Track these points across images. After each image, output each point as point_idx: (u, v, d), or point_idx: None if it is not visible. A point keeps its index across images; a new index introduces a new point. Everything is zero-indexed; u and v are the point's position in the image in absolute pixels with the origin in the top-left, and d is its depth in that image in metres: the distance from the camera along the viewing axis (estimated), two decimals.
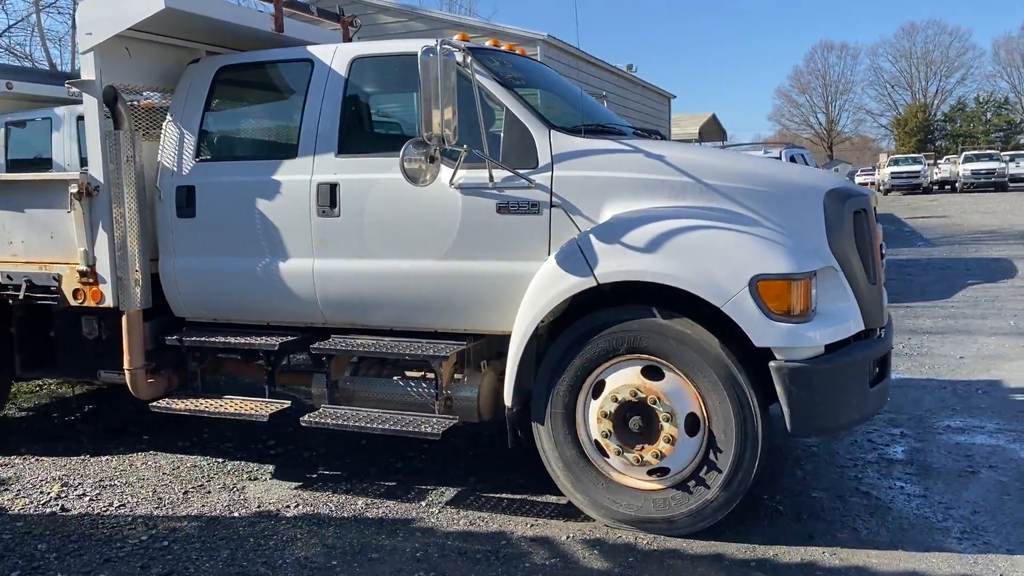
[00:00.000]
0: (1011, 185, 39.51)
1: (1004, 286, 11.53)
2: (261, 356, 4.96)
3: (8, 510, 4.70)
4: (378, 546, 4.09)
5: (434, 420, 4.40)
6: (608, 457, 4.14)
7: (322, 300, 4.71)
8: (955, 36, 69.51)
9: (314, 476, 5.11)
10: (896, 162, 42.61)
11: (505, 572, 3.80)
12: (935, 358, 7.56)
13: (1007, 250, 15.48)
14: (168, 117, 5.10)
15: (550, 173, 4.25)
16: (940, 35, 69.71)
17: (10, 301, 5.30)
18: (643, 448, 4.04)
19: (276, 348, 4.79)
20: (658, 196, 4.15)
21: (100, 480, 5.12)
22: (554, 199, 4.23)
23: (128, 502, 4.75)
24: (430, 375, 4.55)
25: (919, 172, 40.25)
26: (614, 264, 3.98)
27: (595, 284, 4.01)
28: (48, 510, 4.67)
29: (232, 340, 4.91)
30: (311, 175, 4.67)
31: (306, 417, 4.58)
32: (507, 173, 4.26)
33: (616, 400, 4.03)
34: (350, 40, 5.95)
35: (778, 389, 3.79)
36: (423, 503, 4.62)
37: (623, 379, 4.05)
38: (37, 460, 5.53)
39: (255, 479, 5.08)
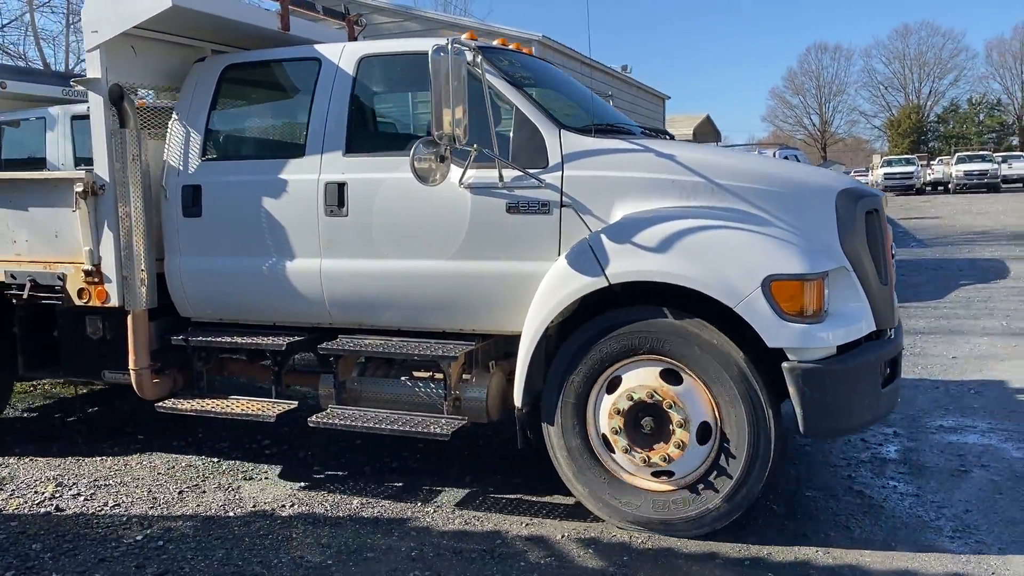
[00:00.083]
0: (1003, 186, 39.68)
1: (996, 287, 11.58)
2: (268, 356, 4.93)
3: (2, 510, 4.68)
4: (373, 545, 4.09)
5: (443, 421, 4.38)
6: (614, 453, 4.12)
7: (329, 300, 4.69)
8: (948, 38, 69.82)
9: (310, 476, 5.10)
10: (889, 163, 42.74)
11: (500, 571, 3.80)
12: (928, 358, 7.59)
13: (999, 251, 15.55)
14: (174, 116, 5.07)
15: (560, 173, 4.23)
16: (933, 37, 70.03)
17: (14, 301, 5.26)
18: (652, 450, 4.02)
19: (283, 348, 4.76)
20: (669, 196, 4.14)
21: (95, 480, 5.11)
22: (564, 199, 4.21)
23: (123, 502, 4.75)
24: (438, 375, 4.53)
25: (912, 173, 40.38)
26: (626, 264, 3.96)
27: (607, 284, 3.99)
28: (42, 510, 4.66)
29: (239, 340, 4.89)
30: (318, 174, 4.64)
31: (314, 418, 4.56)
32: (517, 173, 4.25)
33: (631, 399, 4.01)
34: (355, 39, 5.93)
35: (791, 390, 3.78)
36: (418, 503, 4.62)
37: (641, 379, 4.02)
38: (31, 460, 5.51)
39: (250, 479, 5.08)
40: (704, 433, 3.97)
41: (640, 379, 4.02)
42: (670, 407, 3.96)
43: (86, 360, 5.30)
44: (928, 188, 42.19)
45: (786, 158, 12.14)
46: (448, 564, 3.88)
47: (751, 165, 4.43)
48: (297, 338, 4.81)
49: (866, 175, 44.84)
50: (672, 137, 5.24)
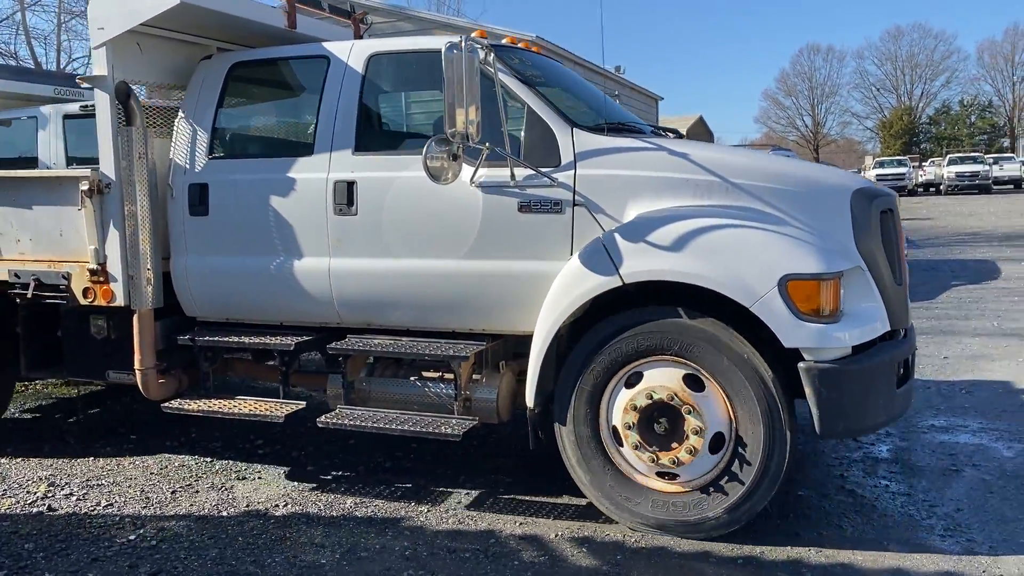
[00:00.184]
0: (995, 188, 39.86)
1: (988, 287, 11.62)
2: (275, 356, 4.90)
3: None
4: (367, 545, 4.08)
5: (453, 421, 4.35)
6: (622, 447, 4.10)
7: (338, 300, 4.66)
8: (940, 39, 70.17)
9: (303, 475, 5.09)
10: (881, 164, 42.88)
11: (494, 570, 3.80)
12: (920, 358, 7.57)
13: (990, 252, 15.61)
14: (180, 114, 5.04)
15: (573, 171, 4.21)
16: (925, 38, 70.25)
17: (17, 300, 5.21)
18: (663, 451, 4.00)
19: (292, 348, 4.72)
20: (683, 195, 4.12)
21: (87, 480, 5.09)
22: (577, 198, 4.19)
23: (116, 501, 4.73)
24: (448, 376, 4.51)
25: (904, 174, 40.51)
26: (640, 263, 3.93)
27: (621, 284, 3.97)
28: (35, 510, 4.65)
29: (246, 340, 4.85)
30: (327, 173, 4.61)
31: (323, 418, 4.52)
32: (529, 171, 4.22)
33: (651, 398, 3.97)
34: (360, 37, 5.90)
35: (807, 390, 3.76)
36: (412, 502, 4.62)
37: (663, 379, 3.98)
38: (23, 460, 5.48)
39: (244, 478, 5.07)
40: (716, 443, 3.96)
41: (662, 379, 3.99)
42: (688, 412, 3.93)
43: (90, 360, 5.26)
44: (920, 189, 42.36)
45: None
46: (442, 563, 3.88)
47: (765, 164, 4.41)
48: (305, 338, 4.77)
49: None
50: (682, 136, 5.20)
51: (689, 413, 3.93)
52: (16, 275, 5.12)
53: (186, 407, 4.91)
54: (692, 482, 4.03)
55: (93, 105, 10.07)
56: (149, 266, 4.84)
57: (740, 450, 3.91)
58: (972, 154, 45.49)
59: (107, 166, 4.85)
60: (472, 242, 4.34)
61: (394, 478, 5.01)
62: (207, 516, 4.50)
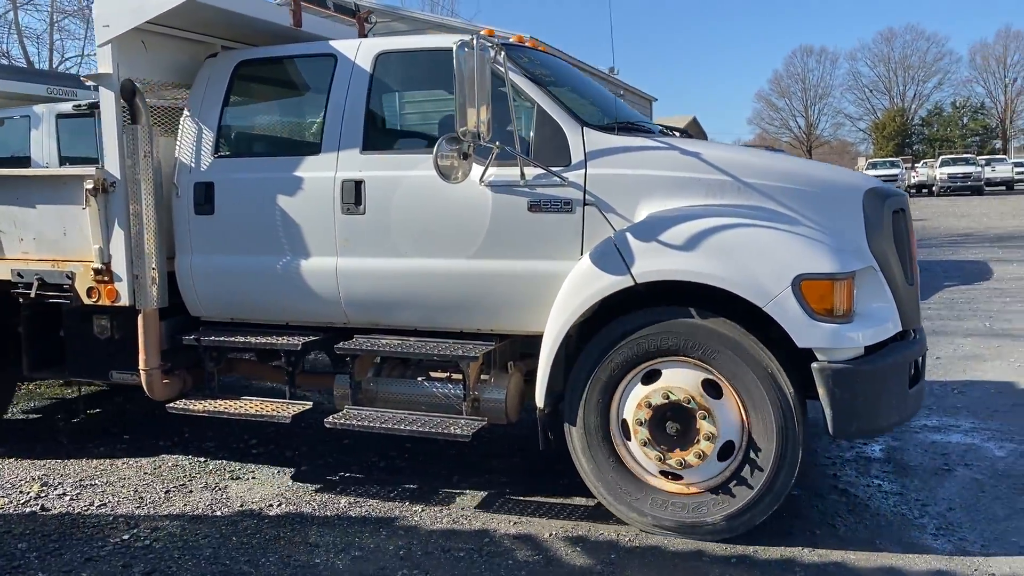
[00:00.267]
0: (987, 189, 40.02)
1: (980, 288, 11.67)
2: (282, 357, 4.88)
3: None
4: (362, 544, 4.08)
5: (462, 422, 4.32)
6: (629, 441, 4.08)
7: (345, 300, 4.64)
8: (932, 42, 70.23)
9: (297, 475, 5.09)
10: (874, 166, 42.96)
11: (488, 569, 3.80)
12: None
13: (983, 253, 15.67)
14: (185, 112, 5.01)
15: (583, 171, 4.19)
16: (918, 40, 70.51)
17: (20, 300, 5.17)
18: (671, 451, 3.98)
19: (299, 348, 4.69)
20: (695, 194, 4.10)
21: (80, 479, 5.08)
22: (587, 197, 4.17)
23: (109, 501, 4.72)
24: (456, 376, 4.49)
25: (897, 176, 40.54)
26: (652, 263, 3.92)
27: (633, 284, 3.95)
28: (28, 509, 4.63)
29: (252, 340, 4.81)
30: (335, 172, 4.59)
31: (330, 418, 4.49)
32: (539, 171, 4.20)
33: (667, 398, 3.95)
34: (365, 36, 5.88)
35: (820, 391, 3.75)
36: (406, 502, 4.62)
37: (682, 380, 3.96)
38: (16, 460, 5.45)
39: (237, 478, 5.06)
40: (726, 451, 3.95)
41: (682, 380, 3.96)
42: (703, 417, 3.91)
43: (93, 360, 5.22)
44: (912, 190, 42.44)
45: None
46: (436, 563, 3.88)
47: (778, 163, 4.40)
48: (312, 338, 4.74)
49: None
50: (689, 136, 5.21)
51: (704, 418, 3.91)
52: (19, 274, 5.07)
53: (191, 407, 4.88)
54: (695, 485, 4.02)
55: (86, 104, 10.10)
56: (154, 265, 4.81)
57: (749, 462, 3.91)
58: (964, 156, 45.66)
59: (112, 165, 4.82)
60: (481, 242, 4.32)
61: (388, 478, 5.00)
62: (201, 516, 4.49)
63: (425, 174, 4.21)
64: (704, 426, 3.91)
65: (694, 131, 40.48)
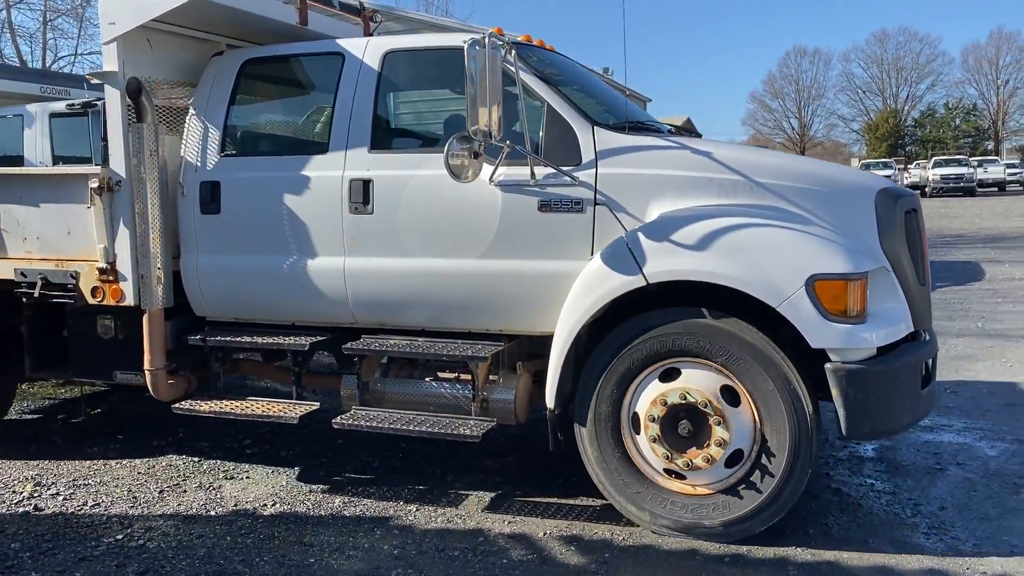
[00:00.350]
0: (979, 190, 40.18)
1: (972, 289, 11.71)
2: (288, 357, 4.84)
3: None
4: (356, 544, 4.08)
5: (472, 422, 4.30)
6: (639, 435, 4.06)
7: (353, 300, 4.61)
8: (925, 43, 70.44)
9: (291, 475, 5.08)
10: (867, 167, 43.10)
11: (483, 569, 3.80)
12: None
13: (975, 254, 15.73)
14: (191, 111, 4.98)
15: (594, 170, 4.17)
16: (911, 42, 70.67)
17: (23, 300, 5.12)
18: (681, 451, 3.96)
19: (306, 348, 4.66)
20: (707, 194, 4.09)
21: (74, 479, 5.06)
22: (598, 197, 4.15)
23: (102, 501, 4.70)
24: (464, 376, 4.47)
25: (890, 177, 40.80)
26: (665, 263, 3.90)
27: (645, 284, 3.93)
28: (21, 509, 4.61)
29: (259, 340, 4.78)
30: (343, 171, 4.56)
31: (338, 419, 4.47)
32: (549, 170, 4.18)
33: (684, 399, 3.93)
34: (370, 34, 5.85)
35: (834, 391, 3.74)
36: (401, 501, 4.61)
37: (702, 383, 3.93)
38: (9, 460, 5.41)
39: (231, 478, 5.04)
40: (734, 458, 3.94)
41: (701, 383, 3.93)
42: (718, 423, 3.89)
43: (96, 360, 5.17)
44: None
45: None
46: (431, 562, 3.88)
47: (790, 163, 4.40)
48: (319, 338, 4.72)
49: None
50: (699, 135, 5.22)
51: (718, 424, 3.89)
52: (23, 274, 5.03)
53: (198, 408, 4.84)
54: (698, 487, 4.01)
55: (80, 103, 10.07)
56: (159, 265, 4.78)
57: (757, 472, 3.90)
58: (957, 157, 45.85)
59: (117, 164, 4.78)
60: (491, 241, 4.30)
61: (383, 478, 5.00)
62: (195, 515, 4.48)
63: (434, 173, 4.20)
64: (717, 432, 3.90)
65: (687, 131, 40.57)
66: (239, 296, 4.89)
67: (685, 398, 3.93)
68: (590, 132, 4.24)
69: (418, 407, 4.52)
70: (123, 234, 4.81)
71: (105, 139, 8.85)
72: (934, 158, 45.43)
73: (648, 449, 4.05)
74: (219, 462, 5.33)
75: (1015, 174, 43.47)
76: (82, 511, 4.57)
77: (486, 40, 3.82)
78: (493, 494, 4.69)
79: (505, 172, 4.25)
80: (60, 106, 10.07)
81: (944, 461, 5.04)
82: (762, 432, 3.87)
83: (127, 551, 4.06)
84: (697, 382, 3.94)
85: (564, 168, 4.19)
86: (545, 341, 4.26)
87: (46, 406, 6.86)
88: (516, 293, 4.31)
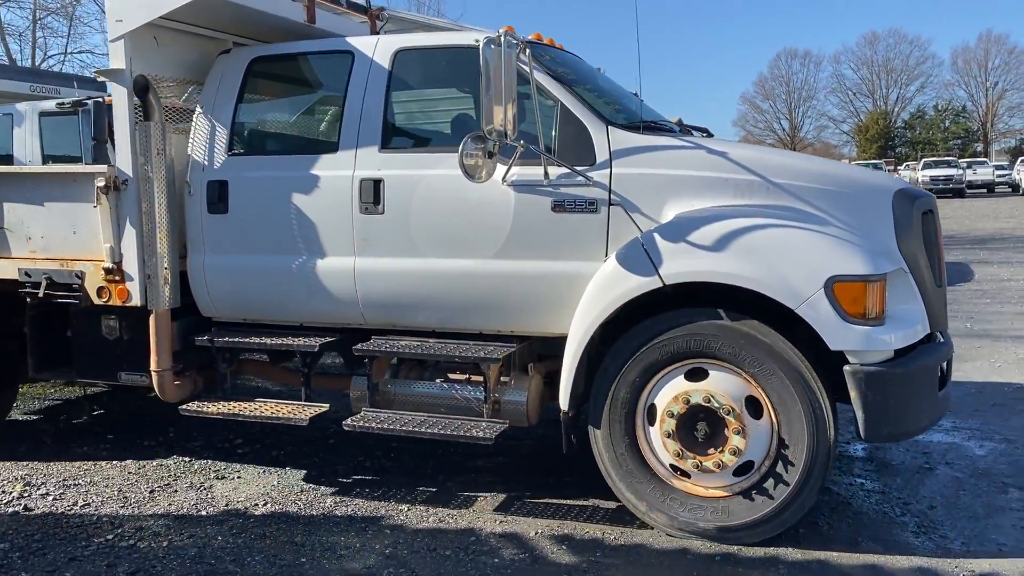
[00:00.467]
0: (968, 191, 40.38)
1: (961, 289, 11.76)
2: (298, 358, 4.80)
3: None
4: (347, 544, 4.07)
5: (484, 424, 4.25)
6: (652, 426, 4.03)
7: (363, 300, 4.57)
8: (915, 45, 70.71)
9: (282, 475, 5.06)
10: None
11: (474, 568, 3.80)
12: None
13: (964, 255, 15.79)
14: (198, 109, 4.93)
15: (608, 170, 4.14)
16: (900, 44, 70.93)
17: (28, 300, 5.06)
18: (689, 450, 3.94)
19: (316, 349, 4.62)
20: (723, 194, 4.06)
21: (64, 479, 5.03)
22: (613, 197, 4.12)
23: (93, 501, 4.68)
24: (475, 378, 4.43)
25: None
26: (681, 264, 3.86)
27: (661, 285, 3.89)
28: (10, 510, 4.58)
29: (268, 341, 4.73)
30: (353, 171, 4.52)
31: (348, 421, 4.43)
32: (563, 170, 4.15)
33: (708, 401, 3.89)
34: (377, 33, 5.81)
35: (852, 393, 3.72)
36: (392, 501, 4.61)
37: (729, 389, 3.88)
38: None
39: (222, 478, 5.03)
40: (744, 468, 3.92)
41: (727, 390, 3.88)
42: (736, 432, 3.86)
43: (101, 361, 5.11)
44: None
45: None
46: (422, 561, 3.87)
47: (806, 164, 4.37)
48: (329, 339, 4.68)
49: None
50: (711, 135, 5.14)
51: (737, 433, 3.86)
52: (27, 274, 4.97)
53: (205, 409, 4.79)
54: (701, 488, 4.00)
55: (70, 102, 10.03)
56: (166, 265, 4.73)
57: (762, 485, 3.89)
58: (946, 158, 46.10)
59: (124, 162, 4.73)
60: (503, 242, 4.27)
61: (374, 477, 5.00)
62: (186, 515, 4.47)
63: (446, 173, 4.18)
64: (734, 440, 3.87)
65: None
66: (247, 296, 4.84)
67: (709, 401, 3.90)
68: (604, 132, 4.21)
69: (429, 409, 4.48)
70: (130, 233, 4.77)
71: (96, 138, 8.86)
72: (923, 159, 45.65)
73: (660, 442, 4.02)
74: (210, 462, 5.31)
75: (1004, 176, 43.68)
76: (72, 511, 4.56)
77: (502, 39, 3.78)
78: (484, 494, 4.69)
79: (518, 172, 4.22)
80: (50, 105, 10.02)
81: (933, 460, 5.07)
82: (778, 449, 3.86)
83: (117, 551, 4.04)
84: (724, 388, 3.90)
85: (578, 168, 4.16)
86: (557, 342, 4.23)
87: (36, 407, 6.82)
88: (528, 294, 4.28)
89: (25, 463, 5.36)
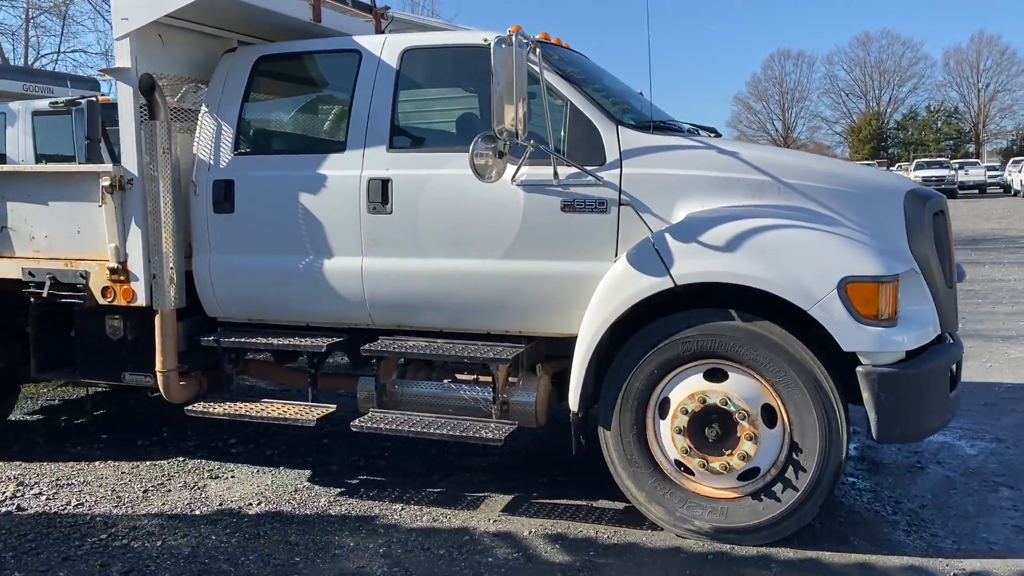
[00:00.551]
0: (960, 192, 40.55)
1: None
2: (305, 358, 4.80)
3: None
4: (341, 543, 4.06)
5: (493, 425, 4.24)
6: (663, 420, 4.01)
7: (370, 300, 4.55)
8: (907, 46, 70.87)
9: (276, 474, 5.05)
10: None
11: (468, 567, 3.81)
12: None
13: (956, 255, 15.88)
14: (203, 108, 4.90)
15: (619, 170, 4.13)
16: (893, 45, 71.09)
17: (31, 300, 5.03)
18: (697, 448, 3.93)
19: (323, 349, 4.60)
20: (734, 195, 4.05)
21: (57, 479, 5.02)
22: (623, 197, 4.11)
23: (86, 501, 4.67)
24: (483, 378, 4.42)
25: None
26: (693, 265, 3.85)
27: (672, 285, 3.88)
28: (3, 509, 4.57)
29: (275, 341, 4.70)
30: (360, 170, 4.50)
31: (356, 422, 4.42)
32: (572, 170, 4.14)
33: (725, 404, 3.87)
34: (382, 32, 5.79)
35: (865, 395, 3.71)
36: (386, 500, 4.61)
37: (746, 395, 3.85)
38: None
39: (216, 477, 5.02)
40: (749, 474, 3.92)
41: (745, 395, 3.85)
42: (749, 438, 3.85)
43: (105, 361, 5.07)
44: None
45: None
46: (416, 561, 3.88)
47: (817, 164, 4.37)
48: (336, 339, 4.65)
49: None
50: (719, 135, 5.13)
51: (749, 439, 3.85)
52: (31, 273, 4.93)
53: (212, 410, 4.76)
54: (702, 487, 4.00)
55: (63, 102, 10.01)
56: (172, 265, 4.70)
57: (766, 492, 3.89)
58: (938, 159, 46.31)
59: (129, 161, 4.71)
60: (512, 242, 4.26)
61: (368, 477, 5.00)
62: (180, 515, 4.46)
63: (454, 172, 4.18)
64: (745, 446, 3.86)
65: None
66: (253, 297, 4.82)
67: (726, 404, 3.88)
68: (614, 132, 4.20)
69: (437, 409, 4.46)
70: (135, 233, 4.74)
71: (89, 137, 8.84)
72: (916, 160, 45.89)
73: (668, 437, 4.00)
74: (204, 461, 5.30)
75: (995, 176, 43.89)
76: (65, 511, 4.55)
77: (513, 38, 3.77)
78: (477, 493, 4.69)
79: (527, 172, 4.20)
80: (43, 104, 10.01)
81: (925, 459, 5.10)
82: (788, 459, 3.86)
83: (111, 550, 4.04)
84: (742, 393, 3.87)
85: (588, 168, 4.14)
86: (564, 343, 4.23)
87: (29, 407, 6.80)
88: (537, 294, 4.27)
89: (18, 463, 5.34)
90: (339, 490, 4.78)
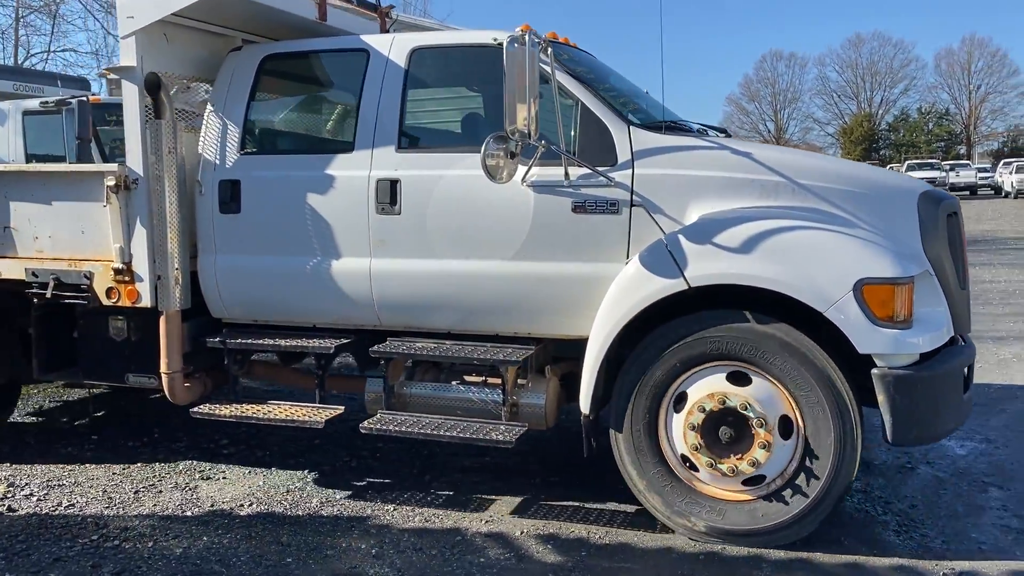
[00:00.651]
0: (951, 194, 40.73)
1: None
2: (311, 359, 4.76)
3: None
4: (333, 544, 4.06)
5: (503, 427, 4.22)
6: (677, 414, 3.98)
7: (379, 302, 4.52)
8: (899, 48, 71.08)
9: (268, 475, 5.04)
10: None
11: (460, 567, 3.80)
12: None
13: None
14: (208, 107, 4.85)
15: (630, 171, 4.11)
16: (885, 47, 71.26)
17: (34, 300, 4.97)
18: (708, 449, 3.91)
19: (331, 351, 4.57)
20: (747, 196, 4.03)
21: (48, 480, 5.00)
22: (635, 198, 4.08)
23: (77, 502, 4.66)
24: (493, 380, 4.39)
25: None
26: (707, 266, 3.82)
27: (686, 287, 3.85)
28: None
29: (282, 343, 4.67)
30: (369, 171, 4.47)
31: (365, 423, 4.38)
32: (584, 171, 4.11)
33: (745, 408, 3.84)
34: (387, 31, 5.76)
35: (880, 397, 3.69)
36: (378, 501, 4.60)
37: (766, 404, 3.83)
38: None
39: (208, 478, 5.01)
40: (754, 480, 3.91)
41: (766, 403, 3.82)
42: (762, 447, 3.83)
43: (108, 362, 5.03)
44: None
45: None
46: (408, 561, 3.87)
47: (831, 165, 4.35)
48: (344, 340, 4.62)
49: None
50: (729, 135, 5.10)
51: (763, 447, 3.83)
52: (34, 274, 4.88)
53: (218, 412, 4.72)
54: (704, 486, 4.00)
55: (53, 101, 9.98)
56: (177, 265, 4.67)
57: (770, 499, 3.89)
58: (930, 161, 46.49)
59: (134, 161, 4.66)
60: (522, 243, 4.23)
61: (359, 477, 4.99)
62: (171, 516, 4.45)
63: (464, 173, 4.16)
64: (757, 453, 3.84)
65: None
66: (259, 297, 4.78)
67: (746, 408, 3.85)
68: (626, 132, 4.18)
69: (446, 411, 4.44)
70: (140, 233, 4.69)
71: (80, 137, 8.80)
72: (907, 162, 46.03)
73: (680, 432, 3.97)
74: (195, 462, 5.29)
75: (986, 178, 44.09)
76: (57, 512, 4.53)
77: (525, 38, 3.75)
78: (469, 493, 4.69)
79: (538, 172, 4.17)
80: (33, 104, 9.97)
81: (915, 460, 5.11)
82: (796, 469, 3.85)
83: (102, 551, 4.03)
84: (763, 400, 3.85)
85: (599, 168, 4.12)
86: (574, 344, 4.21)
87: (20, 408, 6.77)
88: (548, 296, 4.25)
89: (9, 464, 5.31)
90: (331, 491, 4.77)
